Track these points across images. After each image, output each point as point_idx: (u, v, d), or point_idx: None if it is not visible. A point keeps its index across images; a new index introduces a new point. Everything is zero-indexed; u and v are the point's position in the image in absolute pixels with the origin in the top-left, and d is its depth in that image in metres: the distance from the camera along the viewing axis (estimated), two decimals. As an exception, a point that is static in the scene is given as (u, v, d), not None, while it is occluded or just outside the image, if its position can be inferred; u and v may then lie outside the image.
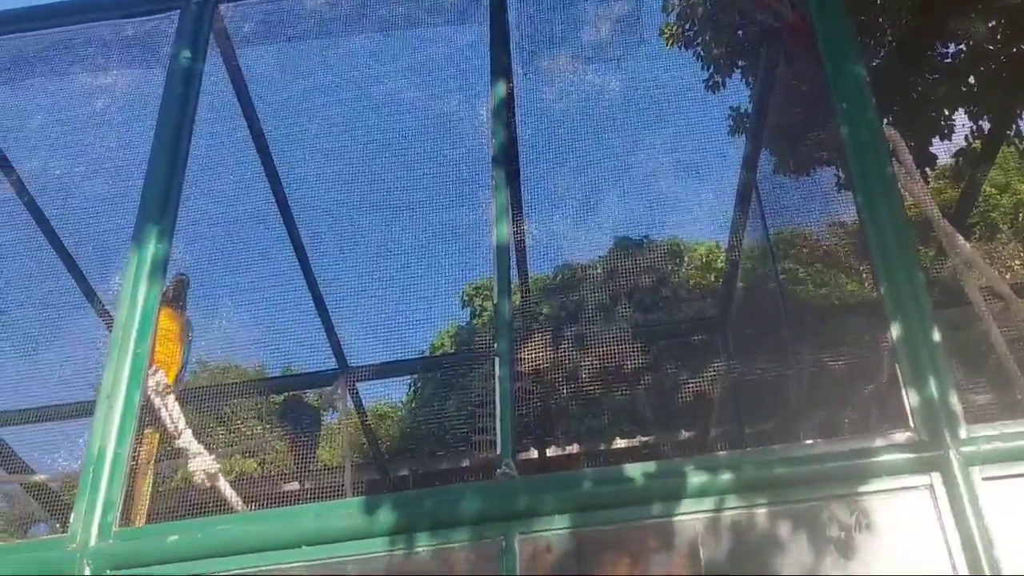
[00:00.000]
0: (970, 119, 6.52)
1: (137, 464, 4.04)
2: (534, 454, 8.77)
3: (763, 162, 6.35)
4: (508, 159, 4.77)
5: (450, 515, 3.48)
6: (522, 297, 6.79)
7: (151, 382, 4.05)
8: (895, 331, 3.60)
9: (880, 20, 6.56)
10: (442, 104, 4.90)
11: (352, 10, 4.79)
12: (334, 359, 7.27)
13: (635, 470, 3.50)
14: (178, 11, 4.82)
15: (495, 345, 3.86)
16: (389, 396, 10.91)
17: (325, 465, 8.55)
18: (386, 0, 4.82)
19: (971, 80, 6.37)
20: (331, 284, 7.00)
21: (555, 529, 3.42)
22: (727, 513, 3.37)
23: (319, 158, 5.45)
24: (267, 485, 8.06)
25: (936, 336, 3.56)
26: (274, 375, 7.91)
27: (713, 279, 9.86)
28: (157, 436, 4.29)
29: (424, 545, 3.44)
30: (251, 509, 6.13)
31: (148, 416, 4.14)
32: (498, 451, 3.63)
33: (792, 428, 5.03)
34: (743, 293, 6.59)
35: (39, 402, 5.85)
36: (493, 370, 3.83)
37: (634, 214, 6.66)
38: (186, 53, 4.71)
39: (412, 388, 11.14)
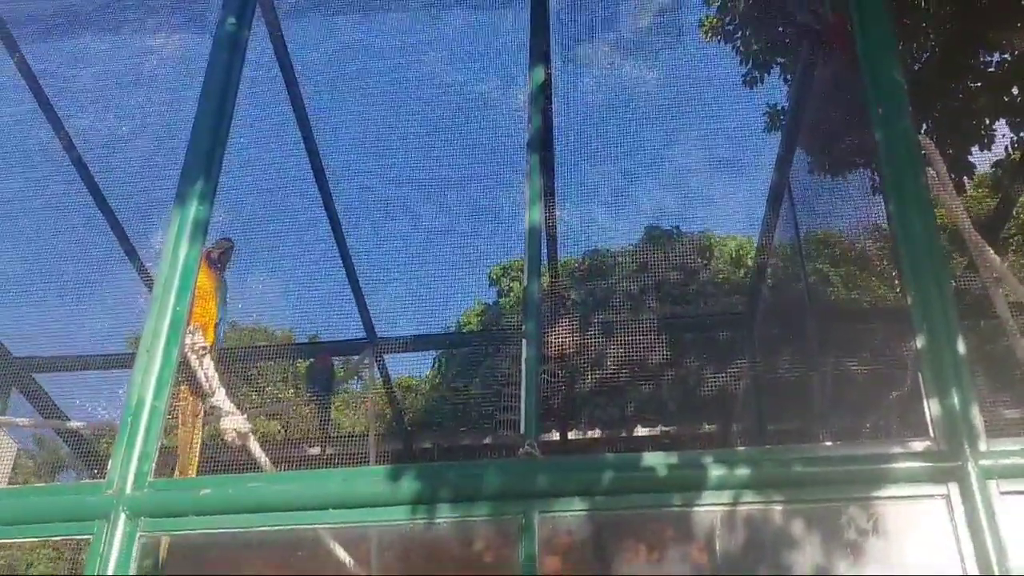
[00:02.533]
0: (1011, 130, 6.48)
1: (184, 420, 4.16)
2: (556, 436, 8.88)
3: (797, 161, 6.35)
4: (543, 145, 4.82)
5: (472, 489, 3.56)
6: (551, 281, 6.86)
7: (188, 340, 4.16)
8: (920, 340, 3.62)
9: (924, 25, 6.51)
10: (480, 86, 4.97)
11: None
12: (363, 329, 7.40)
13: (656, 459, 3.56)
14: (225, -24, 4.90)
15: (523, 327, 3.93)
16: (416, 369, 11.08)
17: (349, 433, 8.70)
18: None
19: (1014, 91, 6.32)
20: (363, 255, 7.13)
21: (575, 511, 3.49)
22: (744, 508, 3.44)
23: (357, 131, 5.54)
24: (290, 448, 8.25)
25: (961, 347, 3.58)
26: (302, 342, 8.06)
27: (743, 275, 9.86)
28: (190, 394, 4.41)
29: (445, 516, 3.53)
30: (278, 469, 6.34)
31: (184, 374, 4.25)
32: (522, 430, 3.71)
33: (813, 428, 5.07)
34: (771, 292, 6.60)
35: (78, 351, 6.04)
36: (520, 351, 3.90)
37: (666, 206, 6.72)
38: (232, 20, 4.77)
39: (438, 363, 11.27)
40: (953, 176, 6.21)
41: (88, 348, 6.57)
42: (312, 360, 7.56)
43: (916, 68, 6.38)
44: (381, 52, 5.12)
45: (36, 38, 5.17)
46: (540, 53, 4.67)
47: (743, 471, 3.48)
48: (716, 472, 3.48)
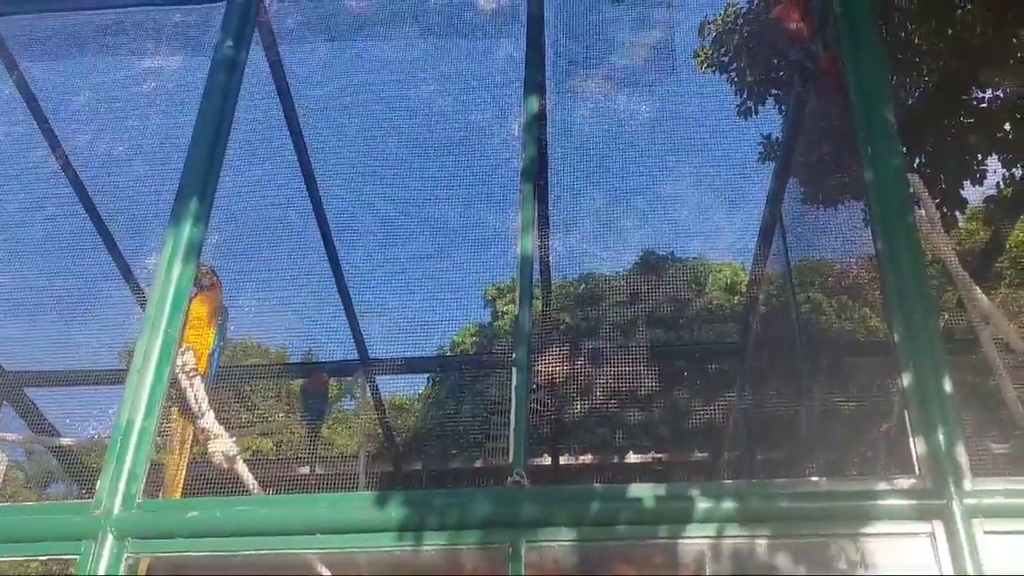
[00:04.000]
0: (1004, 166, 6.54)
1: (172, 443, 4.17)
2: (547, 460, 8.88)
3: (791, 192, 6.40)
4: (538, 172, 4.85)
5: (460, 517, 3.57)
6: (543, 308, 6.89)
7: (179, 362, 4.17)
8: (907, 378, 3.65)
9: (917, 60, 6.58)
10: (475, 114, 5.01)
11: (392, 15, 4.92)
12: (355, 350, 7.42)
13: (643, 490, 3.58)
14: (224, 2, 4.95)
15: (513, 355, 3.95)
16: (408, 388, 11.08)
17: (341, 453, 8.69)
18: (426, 8, 4.92)
19: (1007, 127, 6.38)
20: (357, 276, 7.16)
21: (562, 540, 3.50)
22: (729, 541, 3.45)
23: (353, 154, 5.58)
24: (282, 467, 8.24)
25: (948, 386, 3.61)
26: (295, 361, 8.07)
27: (736, 302, 9.90)
28: (180, 416, 4.42)
29: (433, 544, 3.54)
30: (268, 492, 6.33)
31: (175, 396, 4.26)
32: (510, 459, 3.72)
33: (801, 461, 5.09)
34: (763, 322, 6.63)
35: (70, 367, 6.07)
36: (510, 379, 3.92)
37: (660, 235, 6.77)
38: (229, 43, 4.81)
39: (430, 383, 11.26)
40: (946, 210, 6.27)
41: (81, 364, 6.58)
42: (306, 380, 7.56)
43: (909, 103, 6.44)
44: (377, 77, 5.18)
45: (35, 57, 5.22)
46: (534, 83, 4.72)
47: (729, 504, 3.50)
48: (702, 505, 3.50)
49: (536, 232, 4.44)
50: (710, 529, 3.47)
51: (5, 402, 7.04)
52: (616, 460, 9.17)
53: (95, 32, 5.17)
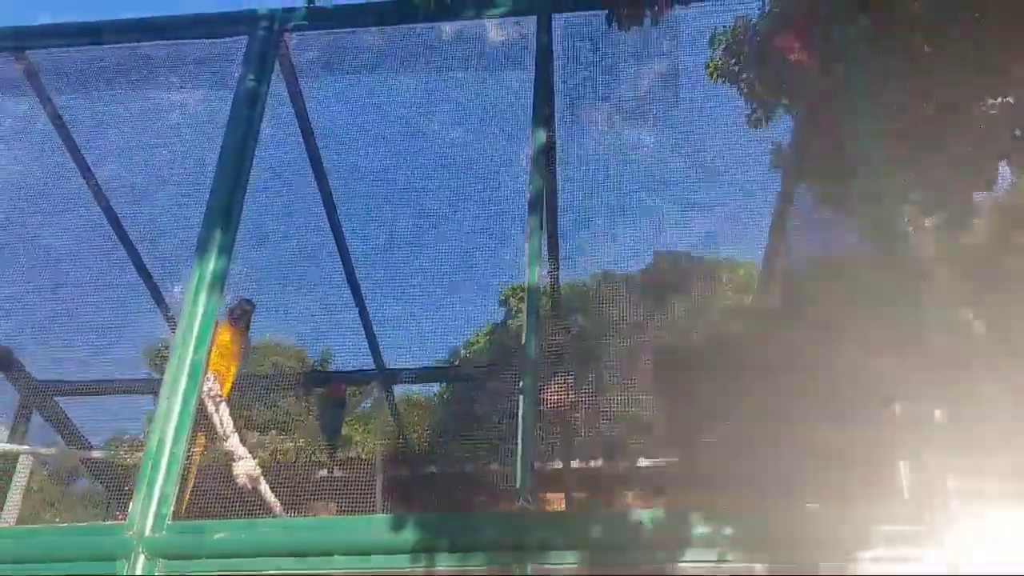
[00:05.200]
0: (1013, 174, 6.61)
1: (189, 462, 4.40)
2: (558, 464, 9.07)
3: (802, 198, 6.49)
4: (549, 203, 5.03)
5: (470, 540, 3.78)
6: (552, 312, 7.10)
7: (205, 388, 4.39)
8: (897, 405, 3.80)
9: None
10: (486, 145, 5.18)
11: (407, 49, 5.09)
12: (372, 359, 7.65)
13: (644, 516, 3.77)
14: (246, 37, 5.15)
15: (519, 383, 4.13)
16: (426, 390, 11.32)
17: (358, 456, 8.93)
18: (439, 42, 5.09)
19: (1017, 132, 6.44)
20: (375, 288, 7.38)
21: (566, 564, 3.70)
22: (727, 566, 3.63)
23: (370, 183, 5.78)
24: (301, 471, 8.49)
25: (937, 414, 3.76)
26: (315, 369, 8.33)
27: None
28: (204, 438, 4.65)
29: (444, 565, 3.74)
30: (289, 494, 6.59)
31: (200, 419, 4.49)
32: (517, 484, 3.91)
33: (798, 482, 5.21)
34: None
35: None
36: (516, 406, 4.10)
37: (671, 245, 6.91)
38: (251, 76, 5.03)
39: (445, 385, 11.47)
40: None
41: (110, 375, 6.86)
42: (325, 388, 7.80)
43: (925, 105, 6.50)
44: (393, 109, 5.36)
45: (66, 90, 5.44)
46: (542, 114, 4.87)
47: (727, 530, 3.67)
48: (701, 530, 3.68)
49: (544, 259, 4.61)
50: (710, 555, 3.65)
51: (36, 411, 7.34)
52: (627, 464, 9.33)
53: (123, 65, 5.37)
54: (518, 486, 3.91)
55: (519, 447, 4.00)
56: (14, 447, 6.55)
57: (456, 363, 10.13)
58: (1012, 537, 3.55)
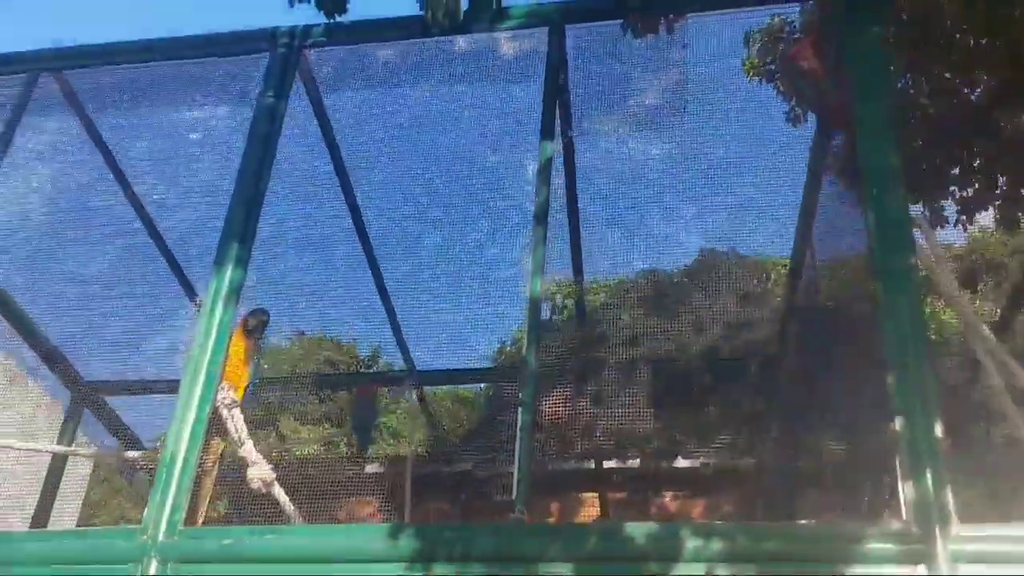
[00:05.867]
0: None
1: (207, 465, 4.57)
2: (591, 465, 9.12)
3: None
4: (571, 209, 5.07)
5: (465, 550, 3.84)
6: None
7: (220, 395, 4.56)
8: (899, 423, 3.75)
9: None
10: (498, 155, 5.25)
11: (420, 63, 5.19)
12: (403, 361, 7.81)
13: (636, 528, 3.79)
14: (266, 54, 5.30)
15: (519, 395, 4.19)
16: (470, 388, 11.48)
17: (390, 454, 9.12)
18: (452, 55, 5.17)
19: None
20: (407, 291, 7.52)
21: (560, 575, 3.75)
22: (716, 580, 3.63)
23: (393, 192, 5.91)
24: (335, 468, 8.72)
25: (938, 431, 3.70)
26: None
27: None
28: (222, 444, 4.83)
29: (441, 574, 3.83)
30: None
31: (215, 425, 4.66)
32: (513, 496, 3.98)
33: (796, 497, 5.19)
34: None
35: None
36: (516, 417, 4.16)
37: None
38: (271, 93, 5.18)
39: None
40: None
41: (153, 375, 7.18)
42: (356, 389, 8.00)
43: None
44: (409, 121, 5.47)
45: (100, 107, 5.69)
46: (550, 127, 4.90)
47: (718, 545, 3.68)
48: (692, 544, 3.69)
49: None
50: (700, 568, 3.66)
51: (86, 410, 7.69)
52: (665, 465, 9.32)
53: (152, 82, 5.59)
54: (514, 496, 3.98)
55: (516, 460, 4.06)
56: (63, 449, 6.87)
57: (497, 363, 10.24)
58: (1011, 556, 3.49)
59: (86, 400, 7.59)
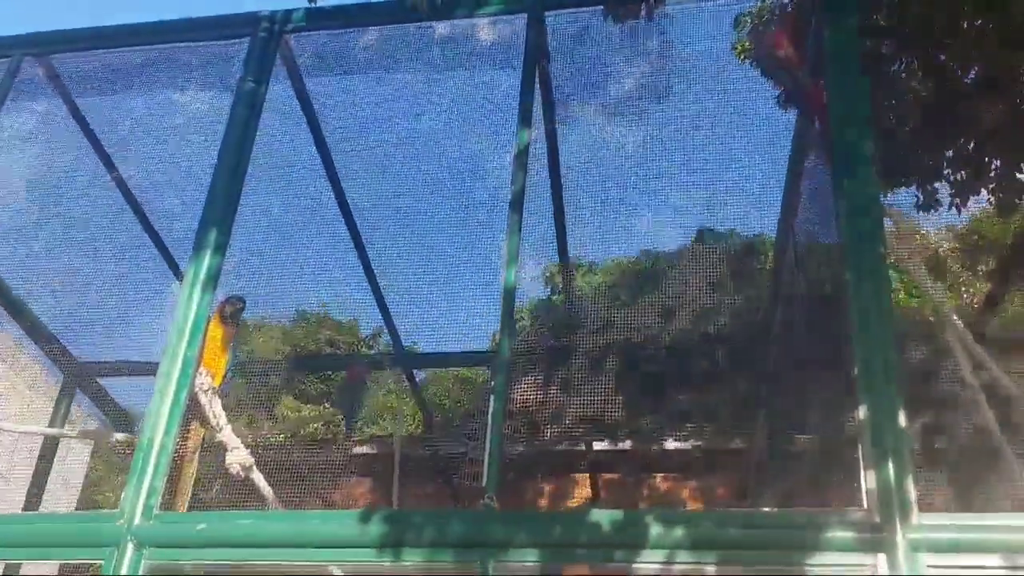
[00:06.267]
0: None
1: (184, 454, 4.63)
2: (581, 447, 9.20)
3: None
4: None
5: (435, 536, 3.90)
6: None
7: (198, 381, 4.61)
8: (862, 411, 3.77)
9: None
10: (475, 144, 5.26)
11: (401, 49, 5.19)
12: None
13: (601, 516, 3.83)
14: (248, 39, 5.31)
15: (491, 383, 4.22)
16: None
17: (378, 436, 9.20)
18: (432, 42, 5.17)
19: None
20: (398, 276, 7.55)
21: (527, 562, 3.80)
22: (679, 567, 3.68)
23: (375, 175, 5.92)
24: (331, 448, 8.81)
25: (902, 421, 3.72)
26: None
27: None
28: (203, 431, 4.89)
29: (411, 559, 3.89)
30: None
31: (193, 411, 4.72)
32: (484, 483, 4.02)
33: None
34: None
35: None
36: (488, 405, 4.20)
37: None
38: (250, 78, 5.18)
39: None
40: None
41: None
42: (345, 371, 8.06)
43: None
44: (391, 107, 5.48)
45: (84, 91, 5.71)
46: (527, 114, 4.90)
47: (681, 531, 3.73)
48: (656, 532, 3.73)
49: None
50: (663, 555, 3.70)
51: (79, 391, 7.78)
52: (655, 448, 9.38)
53: (135, 67, 5.61)
54: (484, 483, 4.03)
55: (487, 447, 4.10)
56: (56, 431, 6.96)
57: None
58: (970, 545, 3.53)
59: (80, 381, 7.68)
